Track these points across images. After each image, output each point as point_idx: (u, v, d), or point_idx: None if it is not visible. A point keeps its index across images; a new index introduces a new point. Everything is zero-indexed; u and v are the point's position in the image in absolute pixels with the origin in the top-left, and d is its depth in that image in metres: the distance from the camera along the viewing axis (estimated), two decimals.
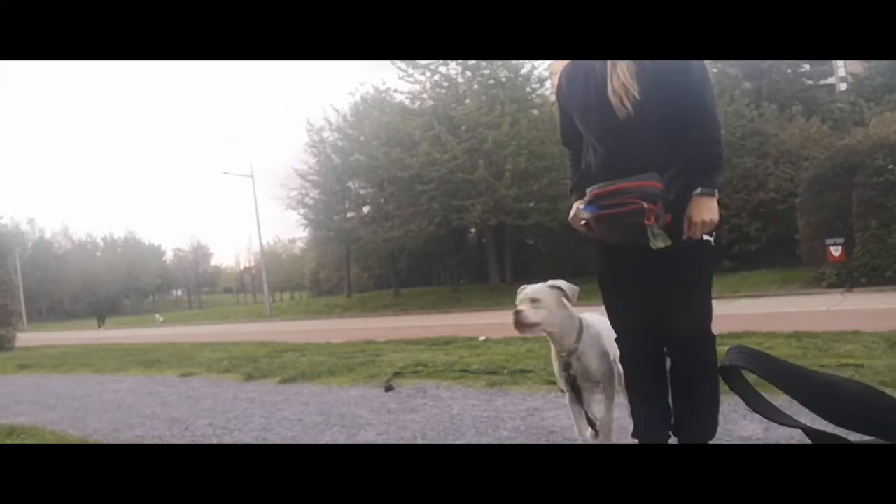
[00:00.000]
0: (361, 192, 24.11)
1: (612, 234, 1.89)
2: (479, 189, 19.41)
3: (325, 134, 24.30)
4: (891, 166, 11.94)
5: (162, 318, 25.40)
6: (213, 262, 78.71)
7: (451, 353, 6.23)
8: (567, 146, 2.18)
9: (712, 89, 1.83)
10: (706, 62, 1.86)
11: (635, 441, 2.12)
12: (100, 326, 26.24)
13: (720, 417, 2.89)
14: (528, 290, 2.20)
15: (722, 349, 5.05)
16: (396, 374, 4.83)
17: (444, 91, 21.78)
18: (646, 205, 1.75)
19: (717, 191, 1.83)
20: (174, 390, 5.42)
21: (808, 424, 0.81)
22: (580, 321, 2.21)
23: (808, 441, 2.14)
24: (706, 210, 1.82)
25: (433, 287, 27.79)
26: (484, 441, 2.89)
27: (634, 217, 1.77)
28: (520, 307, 2.12)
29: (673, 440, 2.11)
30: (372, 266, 32.08)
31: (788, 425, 0.83)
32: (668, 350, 2.04)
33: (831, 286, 12.44)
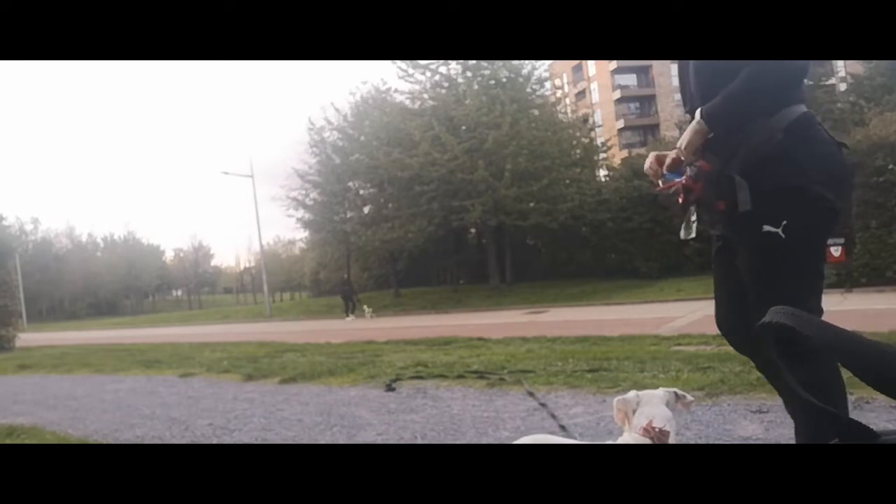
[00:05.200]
0: (361, 192, 24.14)
1: (664, 204, 1.70)
2: (479, 189, 19.42)
3: (326, 134, 24.34)
4: (891, 166, 11.95)
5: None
6: (213, 262, 78.88)
7: (451, 353, 6.23)
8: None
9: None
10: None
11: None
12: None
13: (720, 417, 2.90)
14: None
15: (707, 350, 5.04)
16: (397, 379, 4.82)
17: (444, 91, 21.80)
18: (682, 181, 1.56)
19: (708, 124, 1.51)
20: (174, 390, 5.42)
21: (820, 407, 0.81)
22: None
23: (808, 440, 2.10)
24: (684, 136, 1.55)
25: (433, 287, 27.81)
26: (484, 441, 2.89)
27: (669, 196, 1.60)
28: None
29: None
30: (372, 266, 32.12)
31: (804, 399, 0.82)
32: None
33: (831, 286, 12.45)
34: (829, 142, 1.55)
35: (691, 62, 1.65)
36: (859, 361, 0.71)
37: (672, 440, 1.51)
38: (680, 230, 1.65)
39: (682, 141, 1.56)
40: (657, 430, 1.50)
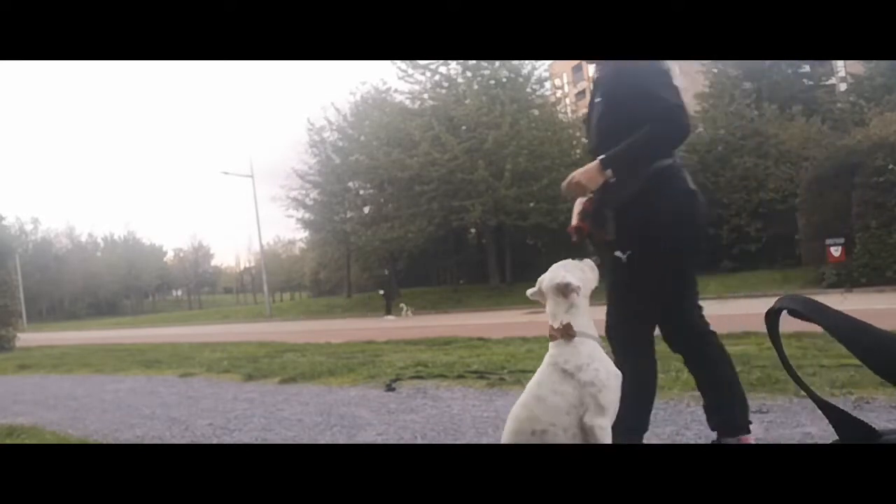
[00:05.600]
0: (361, 192, 24.15)
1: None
2: (479, 189, 19.42)
3: (326, 134, 24.34)
4: (891, 166, 11.95)
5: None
6: (213, 262, 78.83)
7: (451, 353, 6.23)
8: None
9: (669, 89, 1.83)
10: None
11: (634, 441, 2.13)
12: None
13: None
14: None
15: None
16: (397, 379, 4.82)
17: (444, 91, 21.79)
18: (581, 224, 1.94)
19: (609, 168, 1.82)
20: (174, 390, 5.42)
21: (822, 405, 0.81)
22: None
23: (809, 441, 2.11)
24: (582, 171, 1.85)
25: (433, 287, 27.80)
26: (484, 441, 2.89)
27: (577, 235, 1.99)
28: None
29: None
30: (372, 266, 32.09)
31: (810, 396, 0.82)
32: None
33: (831, 286, 12.45)
34: (686, 190, 1.90)
35: (595, 110, 1.97)
36: (868, 350, 0.71)
37: (582, 314, 1.63)
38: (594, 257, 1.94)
39: (583, 178, 1.85)
40: (559, 329, 1.61)
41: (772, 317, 0.82)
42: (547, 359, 1.62)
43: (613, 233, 1.86)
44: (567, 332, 1.59)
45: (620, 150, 1.80)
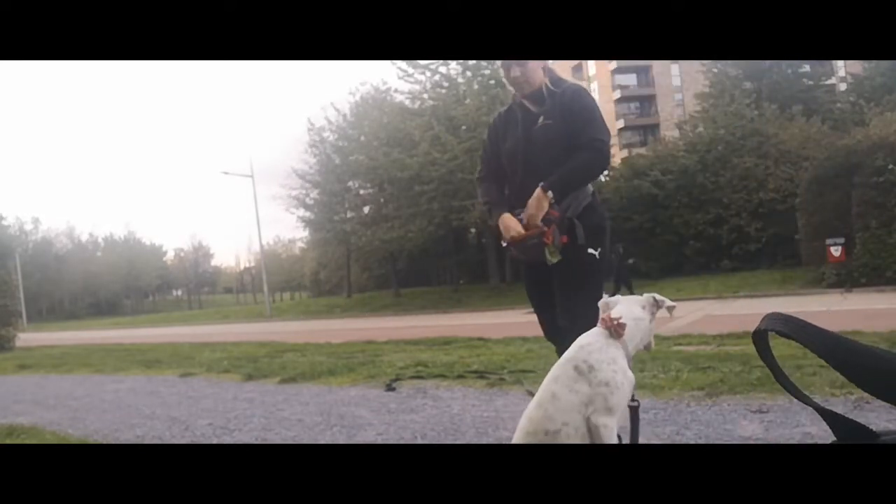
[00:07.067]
0: (361, 192, 24.16)
1: (519, 251, 2.30)
2: None
3: (326, 134, 24.35)
4: (891, 166, 11.95)
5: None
6: (214, 262, 78.86)
7: (451, 353, 6.23)
8: (485, 177, 2.53)
9: (600, 115, 2.31)
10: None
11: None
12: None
13: (720, 417, 2.91)
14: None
15: (707, 350, 4.98)
16: (397, 379, 4.82)
17: (444, 91, 21.78)
18: (545, 228, 2.17)
19: (551, 191, 2.15)
20: (174, 390, 5.42)
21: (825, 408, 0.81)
22: None
23: (809, 441, 2.11)
24: (533, 204, 2.16)
25: (433, 287, 27.81)
26: (484, 441, 2.89)
27: (535, 238, 2.21)
28: None
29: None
30: (372, 266, 32.11)
31: (808, 403, 0.82)
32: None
33: (831, 286, 12.45)
34: (602, 208, 2.42)
35: (544, 131, 2.28)
36: (850, 366, 0.71)
37: (637, 335, 1.69)
38: (547, 259, 2.19)
39: (535, 209, 2.17)
40: (614, 321, 1.67)
41: (759, 337, 0.82)
42: (566, 354, 1.65)
43: (584, 237, 2.18)
44: (618, 330, 1.65)
45: (560, 179, 2.16)
